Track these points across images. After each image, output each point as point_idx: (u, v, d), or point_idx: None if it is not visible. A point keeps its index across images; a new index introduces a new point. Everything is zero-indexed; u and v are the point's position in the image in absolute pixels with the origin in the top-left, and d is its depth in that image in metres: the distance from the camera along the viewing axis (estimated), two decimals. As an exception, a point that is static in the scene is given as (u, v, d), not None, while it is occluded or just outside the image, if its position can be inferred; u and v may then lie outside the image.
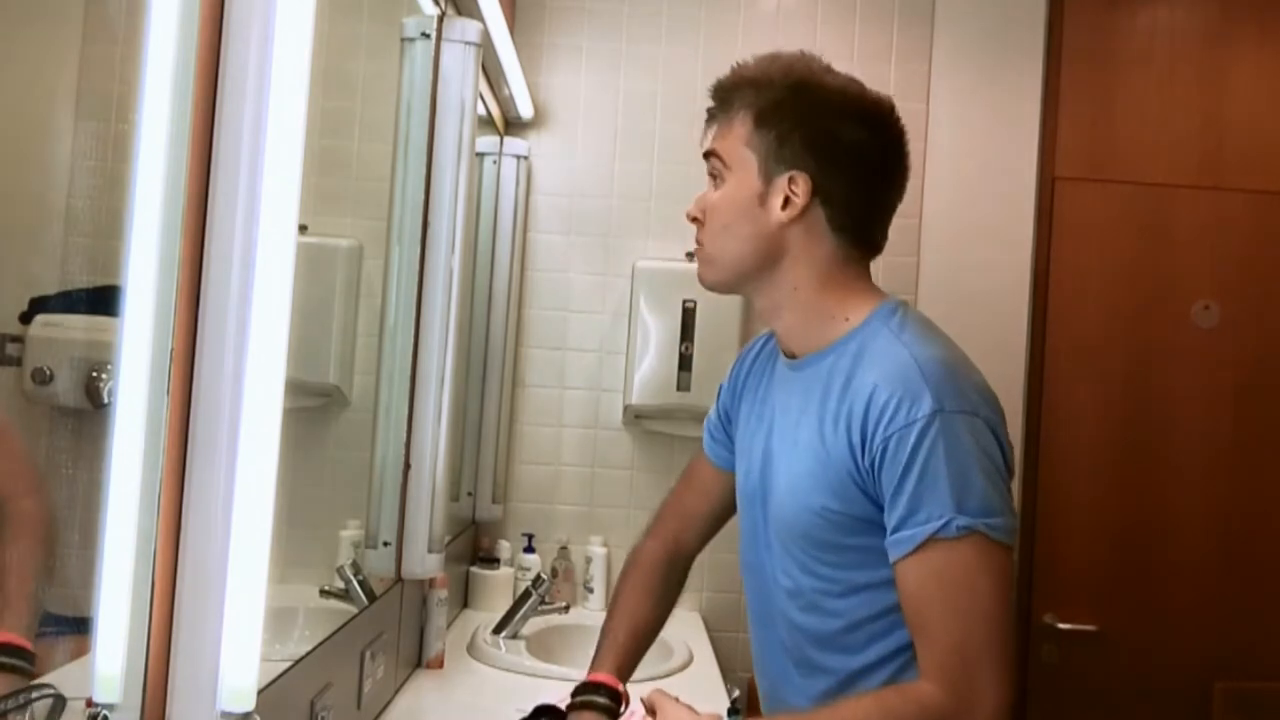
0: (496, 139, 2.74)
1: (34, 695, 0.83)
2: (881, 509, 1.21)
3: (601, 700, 1.38)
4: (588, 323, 2.88)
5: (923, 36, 2.91)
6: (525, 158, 2.79)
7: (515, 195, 2.75)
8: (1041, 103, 2.91)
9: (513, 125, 2.85)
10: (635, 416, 2.79)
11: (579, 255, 2.88)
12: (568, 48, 2.89)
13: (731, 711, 1.29)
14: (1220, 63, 2.95)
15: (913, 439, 1.17)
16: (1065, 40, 2.94)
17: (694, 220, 1.35)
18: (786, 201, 1.27)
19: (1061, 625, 2.86)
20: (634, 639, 1.49)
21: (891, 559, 1.20)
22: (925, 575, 1.18)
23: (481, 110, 2.34)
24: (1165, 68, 2.95)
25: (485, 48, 1.84)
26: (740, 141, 1.29)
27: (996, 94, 2.91)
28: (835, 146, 1.28)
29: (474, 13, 1.99)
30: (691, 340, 2.72)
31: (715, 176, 1.33)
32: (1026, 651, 2.88)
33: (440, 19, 1.73)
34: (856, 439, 1.21)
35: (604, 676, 1.42)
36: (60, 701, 0.85)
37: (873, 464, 1.20)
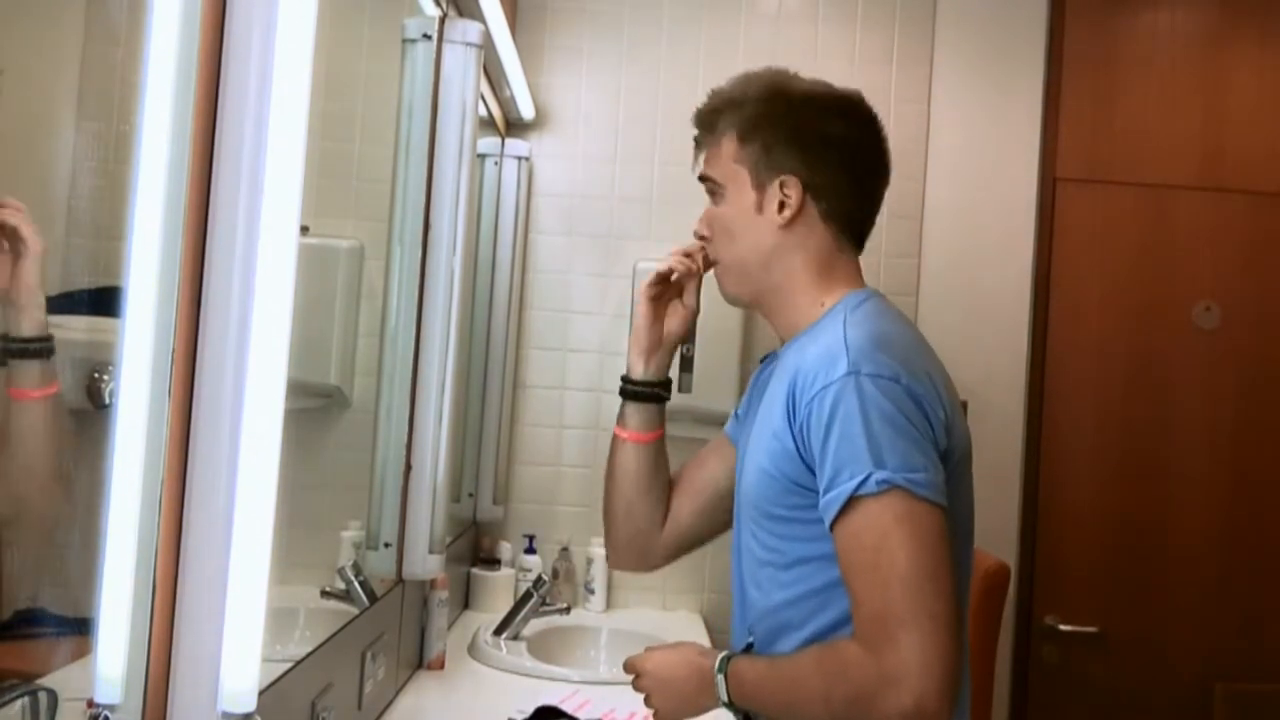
0: (498, 140, 2.74)
1: (23, 693, 0.84)
2: (814, 473, 1.23)
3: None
4: (589, 324, 2.88)
5: (924, 38, 2.91)
6: (526, 159, 2.79)
7: (516, 196, 2.75)
8: (1043, 104, 2.91)
9: (514, 126, 2.85)
10: (636, 418, 2.79)
11: (580, 256, 2.88)
12: (569, 49, 2.89)
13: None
14: (1221, 64, 2.95)
15: (829, 400, 1.20)
16: (1066, 42, 2.94)
17: (702, 237, 1.44)
18: (781, 205, 1.36)
19: (1062, 627, 2.86)
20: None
21: (826, 524, 1.21)
22: (850, 539, 1.19)
23: (483, 111, 2.35)
24: (1166, 69, 2.95)
25: (486, 49, 1.84)
26: (729, 159, 1.38)
27: (998, 96, 2.91)
28: (816, 143, 1.36)
29: (475, 14, 1.99)
30: (692, 342, 2.71)
31: (714, 194, 1.42)
32: (1028, 653, 2.88)
33: (441, 20, 1.73)
34: (790, 405, 1.26)
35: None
36: (52, 699, 0.85)
37: (802, 429, 1.23)
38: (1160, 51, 2.96)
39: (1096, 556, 2.89)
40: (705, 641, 2.48)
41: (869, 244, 2.99)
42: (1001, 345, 2.88)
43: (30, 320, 0.90)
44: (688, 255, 1.48)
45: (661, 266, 1.49)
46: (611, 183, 2.85)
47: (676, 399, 2.80)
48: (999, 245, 2.89)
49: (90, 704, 0.90)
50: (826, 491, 1.20)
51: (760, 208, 1.36)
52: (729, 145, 1.38)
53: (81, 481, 0.96)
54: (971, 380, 2.85)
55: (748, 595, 1.37)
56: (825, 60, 2.90)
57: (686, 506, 1.55)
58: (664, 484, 1.55)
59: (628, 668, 1.41)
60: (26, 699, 0.84)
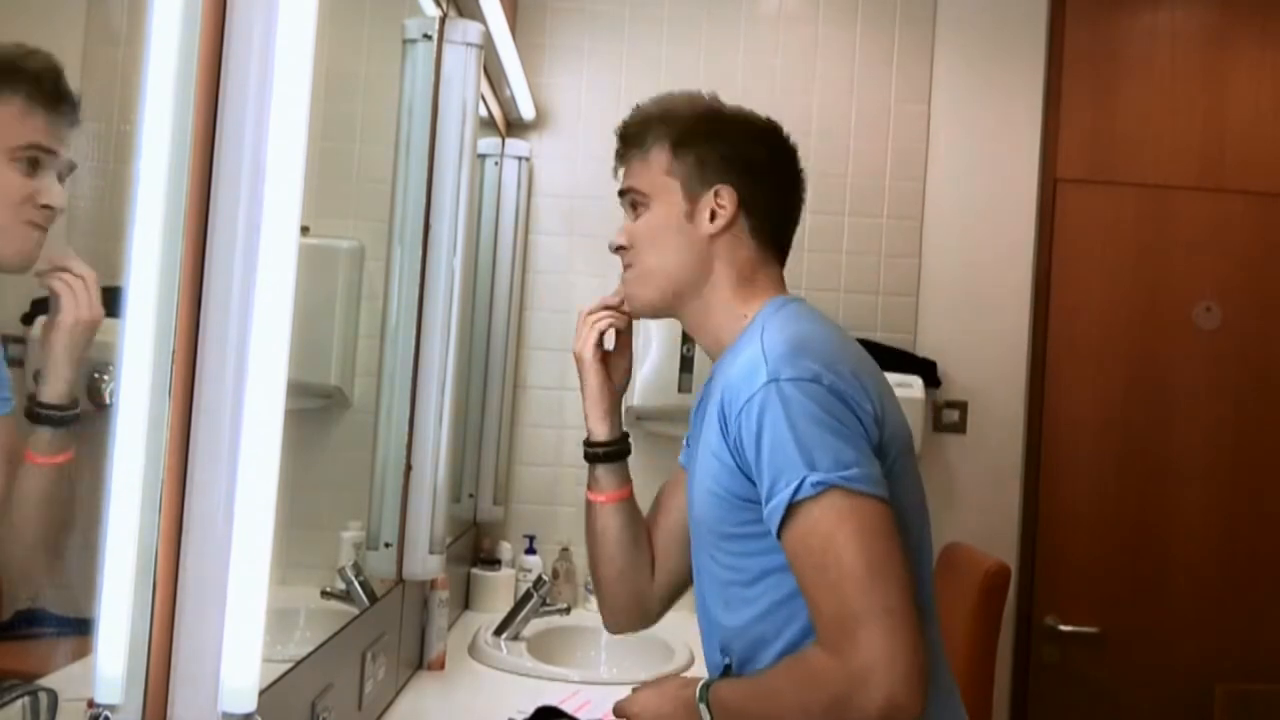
0: (498, 140, 2.74)
1: (23, 693, 0.84)
2: (756, 485, 1.22)
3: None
4: (589, 324, 2.87)
5: (924, 38, 2.91)
6: (527, 159, 2.79)
7: (517, 196, 2.75)
8: (1043, 104, 2.91)
9: (514, 126, 2.85)
10: (636, 418, 2.79)
11: (580, 256, 2.88)
12: (569, 49, 2.89)
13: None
14: (1221, 65, 2.95)
15: (755, 411, 1.20)
16: (1067, 42, 2.94)
17: (619, 250, 1.45)
18: (714, 214, 1.36)
19: (1063, 627, 2.86)
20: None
21: (773, 535, 1.20)
22: (797, 545, 1.18)
23: (483, 112, 2.35)
24: (1166, 70, 2.95)
25: (487, 49, 1.85)
26: (660, 171, 1.39)
27: (998, 96, 2.91)
28: (748, 162, 1.38)
29: (475, 14, 2.00)
30: (693, 342, 2.71)
31: (636, 207, 1.43)
32: (1028, 653, 2.88)
33: (442, 20, 1.73)
34: (722, 423, 1.26)
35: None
36: (53, 699, 0.85)
37: (736, 444, 1.24)
38: (1160, 52, 2.96)
39: (1097, 557, 2.89)
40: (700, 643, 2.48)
41: (869, 244, 3.01)
42: (1002, 345, 2.88)
43: (50, 388, 0.90)
44: (606, 308, 1.51)
45: (601, 325, 1.51)
46: (612, 182, 2.83)
47: (676, 399, 2.82)
48: (999, 246, 2.89)
49: (90, 704, 0.90)
50: (767, 502, 1.19)
51: (691, 216, 1.36)
52: (660, 157, 1.39)
53: (82, 481, 0.96)
54: (971, 380, 2.85)
55: (714, 617, 1.36)
56: (825, 60, 2.90)
57: (672, 550, 1.53)
58: (646, 535, 1.54)
59: (617, 712, 1.39)
60: (27, 699, 0.84)
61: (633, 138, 1.43)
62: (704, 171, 1.36)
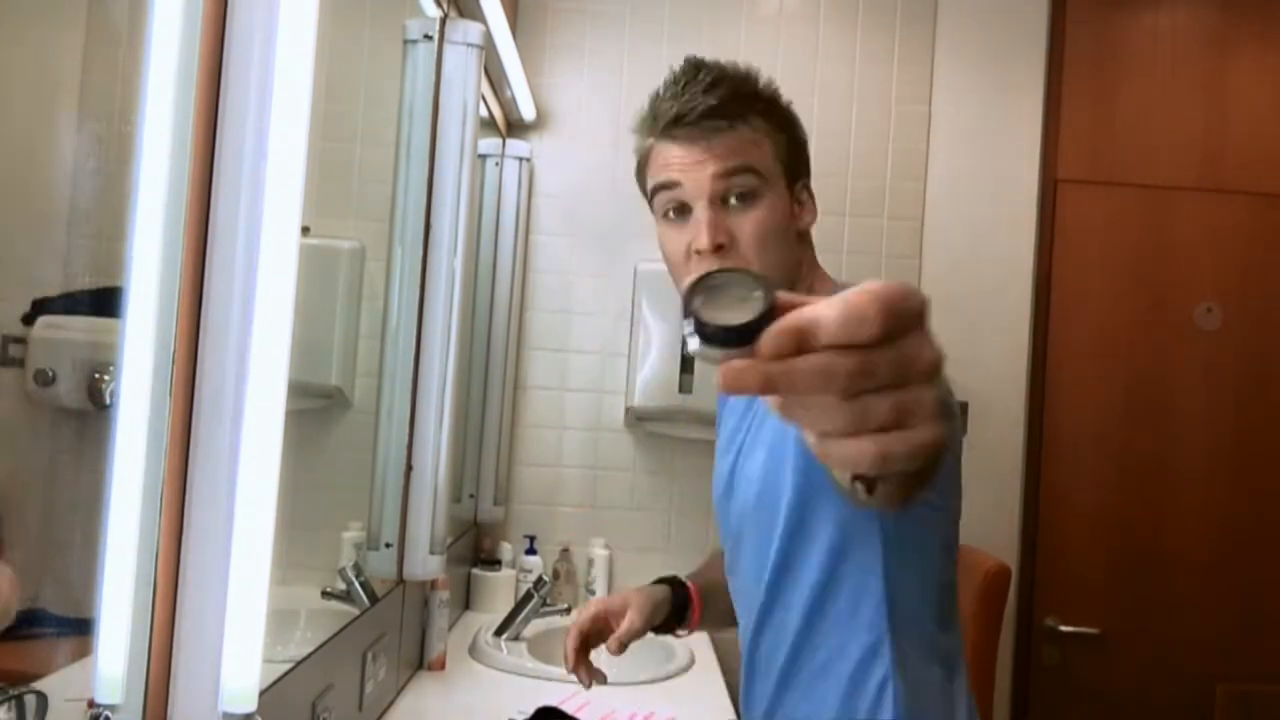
0: (498, 141, 2.74)
1: (10, 697, 0.83)
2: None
3: (676, 589, 1.47)
4: (590, 324, 2.88)
5: (925, 38, 2.91)
6: (527, 159, 2.79)
7: (517, 197, 2.75)
8: (1043, 105, 2.91)
9: (515, 127, 2.85)
10: (637, 418, 2.79)
11: (581, 257, 2.88)
12: (570, 49, 2.89)
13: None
14: (1222, 66, 2.95)
15: None
16: (1067, 43, 2.94)
17: (717, 249, 1.17)
18: (803, 207, 1.27)
19: (1063, 628, 2.86)
20: (718, 587, 1.49)
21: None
22: None
23: (483, 112, 2.35)
24: (1167, 70, 2.95)
25: (487, 49, 1.85)
26: (768, 155, 1.21)
27: (998, 96, 2.91)
28: (806, 153, 1.29)
29: (476, 14, 2.00)
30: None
31: (748, 195, 1.19)
32: (1028, 654, 2.88)
33: (442, 21, 1.73)
34: None
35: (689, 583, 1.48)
36: (42, 701, 0.85)
37: None
38: (1161, 52, 2.96)
39: (1097, 558, 2.89)
40: (706, 644, 2.48)
41: (870, 244, 3.00)
42: (1002, 346, 2.88)
43: None
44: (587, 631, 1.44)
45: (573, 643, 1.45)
46: (612, 183, 2.85)
47: (676, 399, 2.83)
48: (1000, 246, 2.89)
49: (91, 704, 0.90)
50: None
51: (790, 210, 1.21)
52: (769, 138, 1.20)
53: (82, 482, 0.96)
54: (972, 381, 2.85)
55: (761, 620, 1.30)
56: (826, 60, 2.90)
57: None
58: (727, 595, 1.46)
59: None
60: (12, 703, 0.84)
61: (725, 105, 1.16)
62: (799, 161, 1.24)
